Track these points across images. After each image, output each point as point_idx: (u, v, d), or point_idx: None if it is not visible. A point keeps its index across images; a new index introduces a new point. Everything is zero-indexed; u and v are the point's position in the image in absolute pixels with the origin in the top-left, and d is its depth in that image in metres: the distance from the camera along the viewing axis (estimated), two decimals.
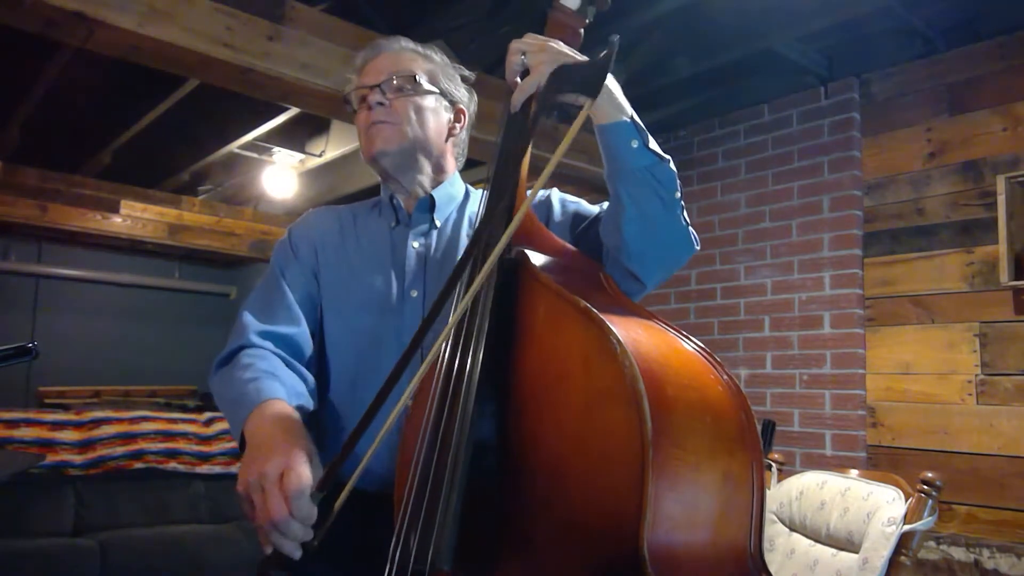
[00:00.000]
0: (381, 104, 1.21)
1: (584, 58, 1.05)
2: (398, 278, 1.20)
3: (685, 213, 1.08)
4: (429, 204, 1.26)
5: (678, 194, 1.06)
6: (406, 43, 1.28)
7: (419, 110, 1.23)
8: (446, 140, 1.29)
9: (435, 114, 1.25)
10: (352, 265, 1.24)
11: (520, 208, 0.93)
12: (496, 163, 1.08)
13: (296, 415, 1.02)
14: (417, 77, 1.23)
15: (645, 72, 3.20)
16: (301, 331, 1.20)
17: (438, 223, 1.26)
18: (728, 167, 3.65)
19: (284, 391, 1.06)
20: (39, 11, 2.19)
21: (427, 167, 1.26)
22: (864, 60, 3.23)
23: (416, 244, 1.23)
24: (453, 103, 1.29)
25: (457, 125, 1.30)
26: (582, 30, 1.15)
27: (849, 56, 3.25)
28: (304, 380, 1.15)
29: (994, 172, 2.86)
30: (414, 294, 1.18)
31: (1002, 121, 2.90)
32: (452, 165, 1.31)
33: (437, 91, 1.26)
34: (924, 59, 3.11)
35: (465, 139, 1.34)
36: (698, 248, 1.12)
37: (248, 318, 1.18)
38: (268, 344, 1.15)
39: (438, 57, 1.30)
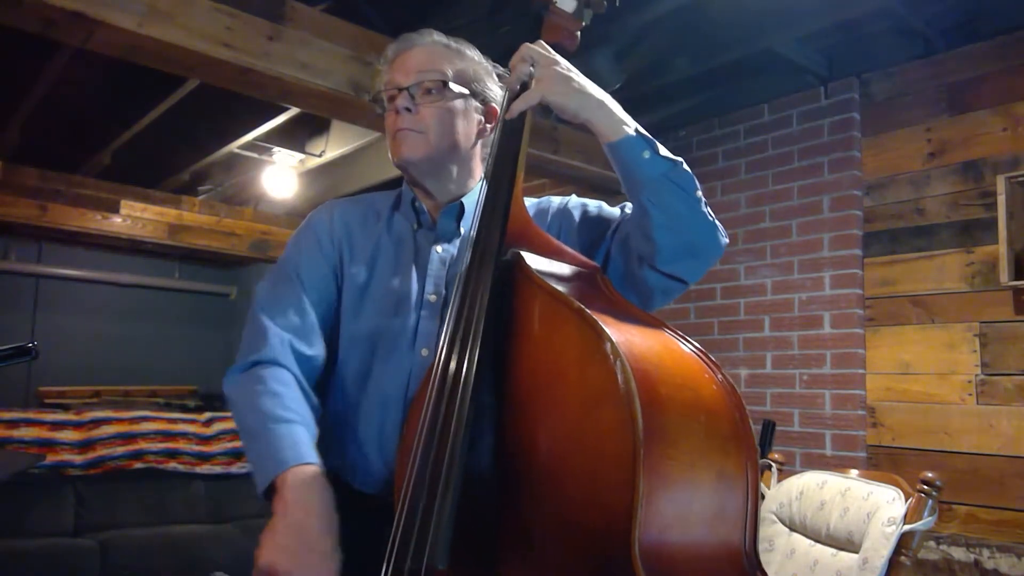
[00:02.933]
0: (408, 110, 1.17)
1: (587, 82, 1.06)
2: (419, 281, 1.19)
3: (708, 208, 1.09)
4: (458, 211, 1.23)
5: (699, 192, 1.07)
6: (439, 37, 1.24)
7: (448, 116, 1.19)
8: (475, 143, 1.25)
9: (465, 117, 1.21)
10: (375, 265, 1.22)
11: (514, 208, 0.93)
12: (493, 163, 1.08)
13: (331, 497, 0.99)
14: (447, 80, 1.19)
15: (645, 72, 3.19)
16: (320, 354, 1.17)
17: (462, 230, 1.23)
18: (728, 167, 3.64)
19: (311, 442, 1.04)
20: (39, 11, 2.19)
21: (454, 173, 1.23)
22: (864, 60, 3.23)
23: (440, 249, 1.21)
24: (485, 102, 1.24)
25: (488, 126, 1.25)
26: (578, 33, 1.16)
27: (849, 56, 3.24)
28: (315, 411, 1.13)
29: (994, 172, 2.86)
30: (432, 298, 1.17)
31: (1002, 121, 2.90)
32: (479, 168, 1.28)
33: (468, 92, 1.21)
34: (924, 59, 3.10)
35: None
36: (727, 241, 1.13)
37: (270, 326, 1.14)
38: (292, 364, 1.12)
39: (471, 53, 1.25)
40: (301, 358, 1.14)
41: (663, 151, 1.05)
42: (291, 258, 1.23)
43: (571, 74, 1.06)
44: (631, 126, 1.05)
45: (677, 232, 1.06)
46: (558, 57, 1.07)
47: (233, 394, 1.11)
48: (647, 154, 1.04)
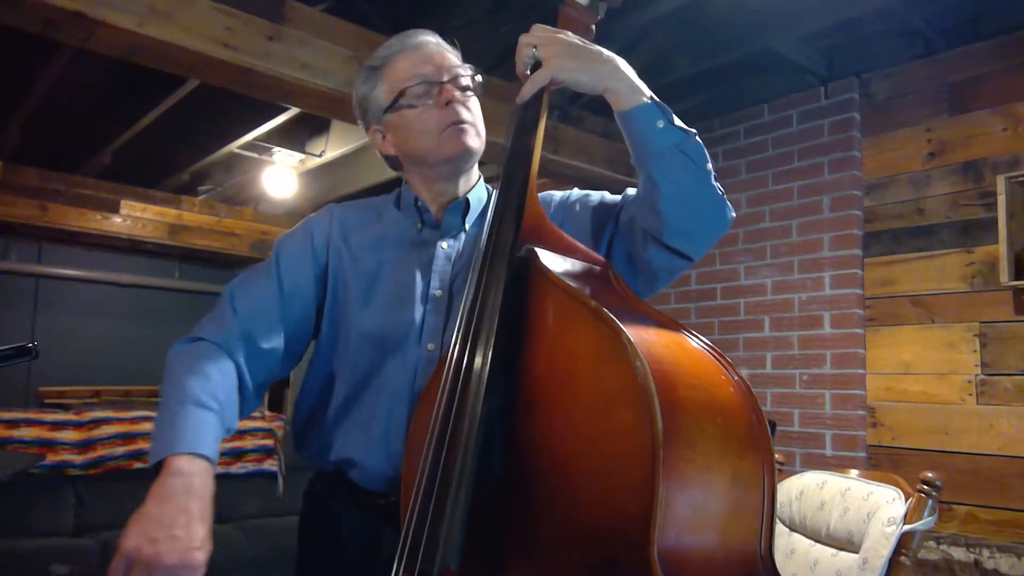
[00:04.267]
0: (464, 102, 1.18)
1: (599, 49, 1.04)
2: (423, 277, 1.18)
3: (717, 183, 1.08)
4: (463, 208, 1.23)
5: (709, 165, 1.05)
6: (438, 38, 1.25)
7: (480, 110, 1.21)
8: None
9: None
10: (379, 263, 1.21)
11: (528, 204, 0.93)
12: (506, 161, 1.07)
13: (211, 495, 0.95)
14: (479, 73, 1.21)
15: (645, 72, 3.17)
16: (278, 348, 1.17)
17: (467, 226, 1.23)
18: (728, 167, 3.64)
19: (217, 435, 1.01)
20: (39, 11, 2.19)
21: (475, 168, 1.26)
22: (864, 60, 3.24)
23: (445, 244, 1.20)
24: None
25: None
26: (593, 26, 1.15)
27: (849, 56, 3.25)
28: (248, 407, 1.13)
29: (994, 172, 2.86)
30: (438, 293, 1.16)
31: (1002, 121, 2.90)
32: (477, 169, 1.29)
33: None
34: (924, 59, 3.11)
35: None
36: (733, 216, 1.11)
37: (231, 314, 1.15)
38: (240, 355, 1.12)
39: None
40: (253, 350, 1.14)
41: (677, 121, 1.03)
42: (278, 253, 1.23)
43: (576, 44, 1.04)
44: (646, 94, 1.03)
45: (684, 205, 1.05)
46: (560, 32, 1.06)
47: (171, 361, 1.10)
48: (661, 123, 1.02)
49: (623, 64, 1.05)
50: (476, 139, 1.18)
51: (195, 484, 0.93)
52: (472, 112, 1.19)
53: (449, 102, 1.16)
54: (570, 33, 1.06)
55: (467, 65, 1.21)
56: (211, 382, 1.05)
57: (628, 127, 1.05)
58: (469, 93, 1.20)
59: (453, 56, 1.23)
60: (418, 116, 1.18)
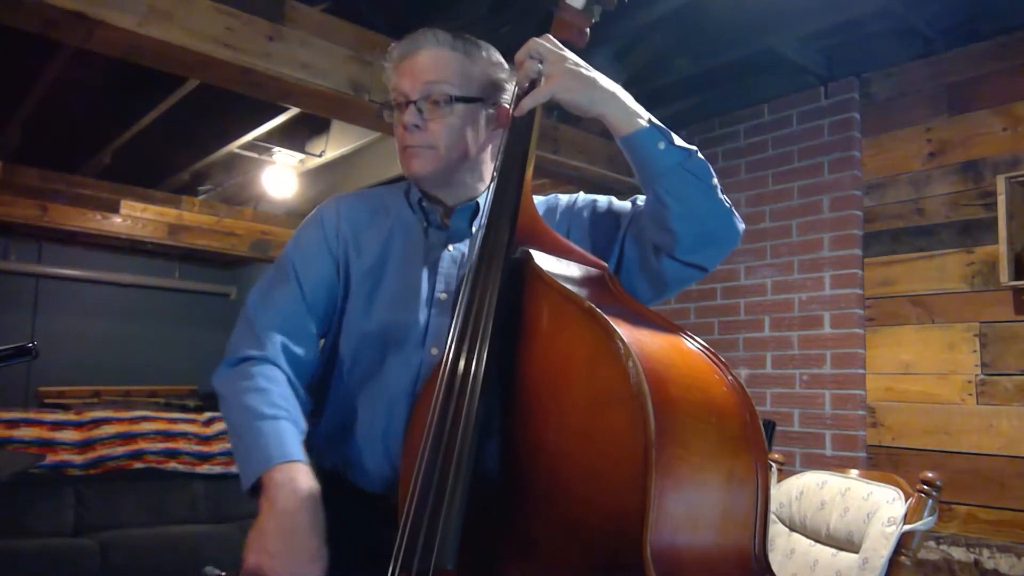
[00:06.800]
0: (417, 126, 1.15)
1: (598, 75, 1.06)
2: (429, 279, 1.17)
3: (724, 196, 1.09)
4: (472, 211, 1.21)
5: (714, 180, 1.07)
6: (444, 38, 1.18)
7: (457, 128, 1.16)
8: (486, 147, 1.22)
9: (473, 125, 1.18)
10: (385, 262, 1.20)
11: (523, 207, 0.93)
12: (501, 164, 1.07)
13: (318, 494, 1.00)
14: (456, 90, 1.15)
15: (645, 72, 3.19)
16: (313, 356, 1.17)
17: (474, 229, 1.21)
18: (728, 167, 3.64)
19: (298, 438, 1.05)
20: (39, 11, 2.19)
21: (466, 180, 1.21)
22: (864, 60, 3.23)
23: (452, 248, 1.20)
24: (496, 105, 1.21)
25: (500, 128, 1.21)
26: (588, 29, 1.15)
27: (849, 56, 3.24)
28: (304, 408, 1.13)
29: (994, 172, 2.86)
30: (443, 296, 1.16)
31: (1002, 121, 2.90)
32: (490, 170, 1.23)
33: (479, 99, 1.18)
34: (924, 59, 3.11)
35: None
36: (743, 227, 1.13)
37: (262, 325, 1.14)
38: (283, 363, 1.12)
39: (480, 52, 1.21)
40: (293, 358, 1.14)
41: (677, 140, 1.04)
42: (292, 255, 1.22)
43: (580, 68, 1.05)
44: (644, 117, 1.04)
45: (695, 221, 1.06)
46: (567, 52, 1.06)
47: (221, 389, 1.12)
48: (662, 145, 1.03)
49: (621, 91, 1.06)
50: (425, 164, 1.16)
51: (301, 494, 0.98)
52: (430, 134, 1.15)
53: (405, 125, 1.16)
54: (577, 57, 1.07)
55: (443, 82, 1.15)
56: (270, 394, 1.08)
57: (630, 151, 1.06)
58: (443, 110, 1.15)
59: (444, 65, 1.16)
60: (394, 129, 1.20)
